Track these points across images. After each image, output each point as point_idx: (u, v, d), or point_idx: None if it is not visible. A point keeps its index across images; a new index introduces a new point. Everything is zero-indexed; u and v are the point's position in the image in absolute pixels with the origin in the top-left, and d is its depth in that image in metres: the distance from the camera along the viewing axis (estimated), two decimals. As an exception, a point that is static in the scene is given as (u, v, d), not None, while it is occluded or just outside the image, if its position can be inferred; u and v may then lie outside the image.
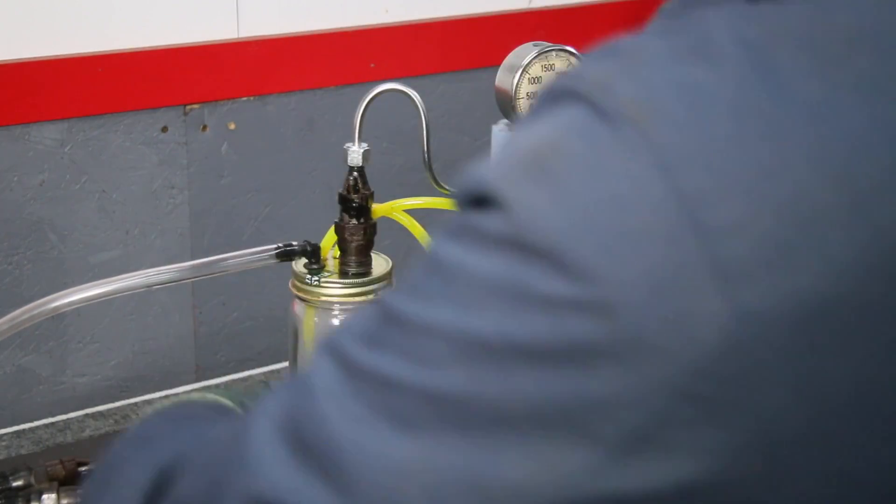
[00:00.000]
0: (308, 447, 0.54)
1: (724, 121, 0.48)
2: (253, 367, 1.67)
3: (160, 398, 1.58)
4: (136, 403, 1.57)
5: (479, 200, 0.52)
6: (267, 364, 1.67)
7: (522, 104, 1.12)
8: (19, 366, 1.56)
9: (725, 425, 0.48)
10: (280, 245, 1.11)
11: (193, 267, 1.04)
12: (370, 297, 1.08)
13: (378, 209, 1.11)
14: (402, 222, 1.10)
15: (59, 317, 1.53)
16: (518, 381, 0.49)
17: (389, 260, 1.11)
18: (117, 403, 1.58)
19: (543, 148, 0.50)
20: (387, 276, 1.10)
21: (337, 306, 1.09)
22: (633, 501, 0.50)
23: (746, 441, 0.49)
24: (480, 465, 0.50)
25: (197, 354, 1.67)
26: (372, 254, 1.10)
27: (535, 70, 1.11)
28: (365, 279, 1.09)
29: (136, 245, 1.61)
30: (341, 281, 1.08)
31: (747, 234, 0.47)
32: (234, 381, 1.62)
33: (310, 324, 1.12)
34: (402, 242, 1.17)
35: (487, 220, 0.51)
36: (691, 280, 0.47)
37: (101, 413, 1.54)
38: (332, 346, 0.55)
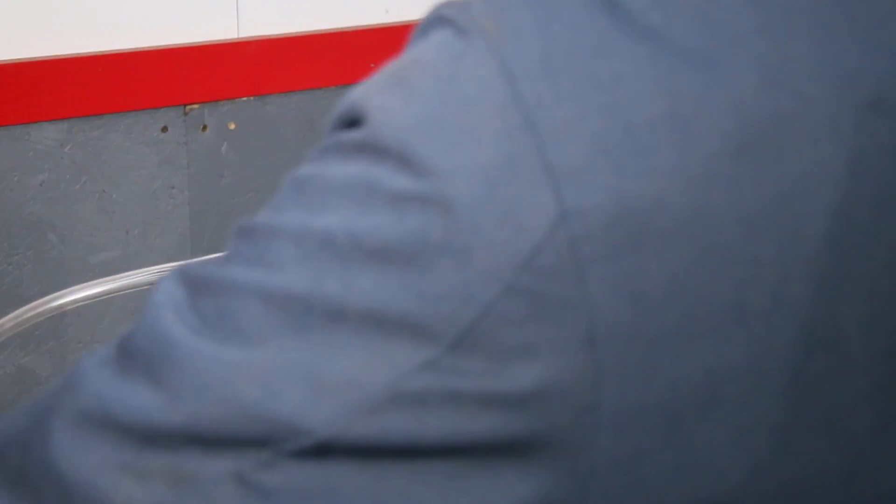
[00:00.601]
0: (133, 354, 0.54)
1: (565, 35, 0.52)
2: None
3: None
4: (136, 403, 1.57)
5: (345, 123, 0.54)
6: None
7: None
8: (19, 366, 1.56)
9: (553, 322, 0.50)
10: None
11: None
12: None
13: None
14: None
15: (59, 317, 1.53)
16: (358, 278, 0.51)
17: None
18: (117, 403, 1.58)
19: (406, 65, 0.53)
20: None
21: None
22: (469, 401, 0.51)
23: (574, 339, 0.50)
24: (316, 361, 0.51)
25: (197, 355, 1.67)
26: None
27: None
28: None
29: (136, 245, 1.61)
30: None
31: (576, 136, 0.50)
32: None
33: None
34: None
35: (346, 134, 0.53)
36: (524, 175, 0.50)
37: (101, 413, 1.54)
38: (177, 269, 0.57)
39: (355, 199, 0.51)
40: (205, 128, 1.63)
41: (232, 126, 1.65)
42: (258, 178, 1.67)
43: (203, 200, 1.64)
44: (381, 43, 1.70)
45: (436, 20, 0.55)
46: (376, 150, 0.51)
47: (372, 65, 1.70)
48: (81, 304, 0.97)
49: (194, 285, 0.54)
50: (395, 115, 0.51)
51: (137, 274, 1.02)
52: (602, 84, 0.51)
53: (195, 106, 1.62)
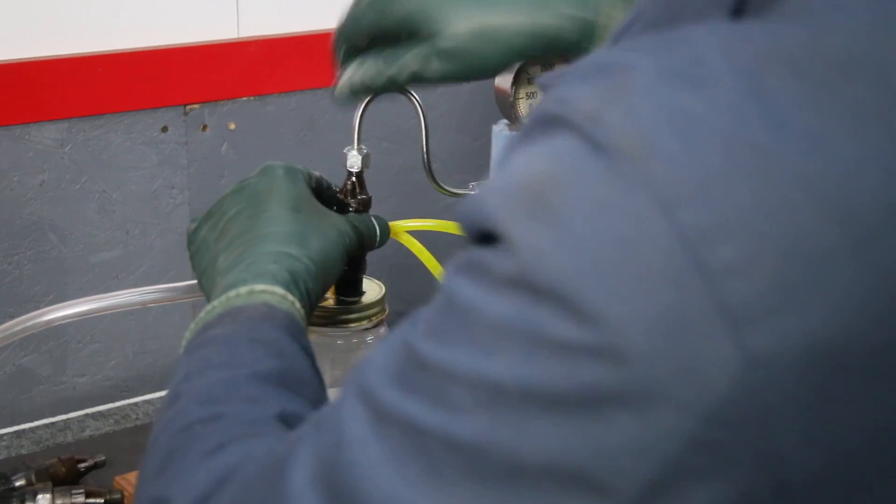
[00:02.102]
0: (340, 494, 0.54)
1: (720, 155, 0.47)
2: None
3: (160, 398, 1.58)
4: (136, 403, 1.57)
5: (484, 234, 0.51)
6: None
7: (521, 104, 1.12)
8: (19, 366, 1.56)
9: (739, 472, 0.47)
10: None
11: (189, 287, 1.03)
12: (363, 322, 1.07)
13: None
14: (403, 242, 1.09)
15: (59, 317, 1.52)
16: (533, 430, 0.48)
17: (382, 286, 1.10)
18: (117, 403, 1.58)
19: (541, 180, 0.49)
20: (379, 303, 1.08)
21: (329, 331, 1.07)
22: None
23: (760, 488, 0.48)
24: None
25: (197, 354, 1.67)
26: (364, 279, 1.09)
27: (534, 70, 1.11)
28: (357, 307, 1.07)
29: (136, 245, 1.61)
30: (334, 307, 1.07)
31: (751, 276, 0.46)
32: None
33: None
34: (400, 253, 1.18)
35: (495, 259, 0.50)
36: (700, 324, 0.46)
37: (101, 413, 1.54)
38: (360, 388, 0.55)
39: (520, 344, 0.49)
40: (205, 128, 1.63)
41: (232, 126, 1.65)
42: (258, 178, 1.67)
43: (203, 200, 1.64)
44: (382, 43, 1.70)
45: (556, 120, 0.50)
46: (532, 291, 0.48)
47: (372, 65, 1.70)
48: (71, 320, 0.97)
49: (378, 413, 0.53)
50: (546, 254, 0.48)
51: (129, 293, 1.02)
52: (770, 212, 0.46)
53: (195, 106, 1.62)
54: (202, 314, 0.81)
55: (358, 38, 0.90)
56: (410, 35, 0.83)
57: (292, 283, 0.82)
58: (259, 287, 0.80)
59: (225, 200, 0.92)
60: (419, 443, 0.51)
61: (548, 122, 0.50)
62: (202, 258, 0.89)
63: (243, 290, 0.80)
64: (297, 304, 0.81)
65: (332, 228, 0.91)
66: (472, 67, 0.82)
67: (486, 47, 0.81)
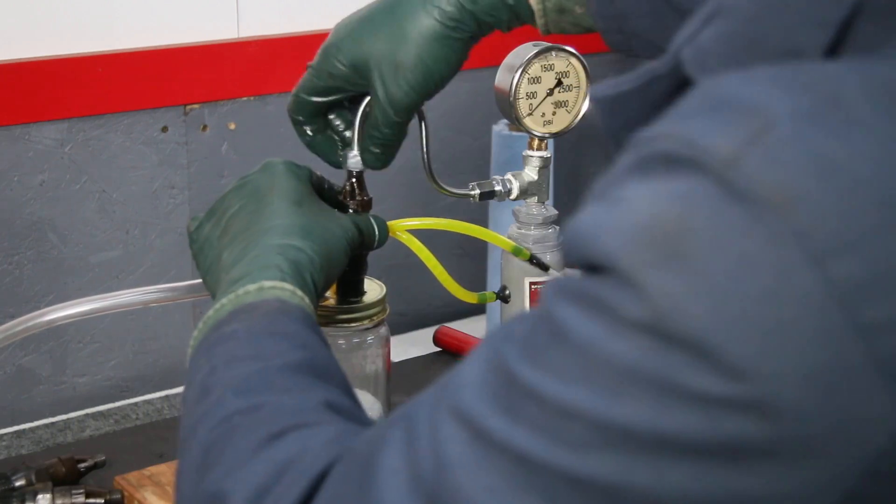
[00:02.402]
0: None
1: (870, 205, 0.45)
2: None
3: (160, 398, 1.58)
4: (136, 403, 1.57)
5: (598, 267, 0.50)
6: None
7: (521, 104, 1.12)
8: (19, 366, 1.56)
9: None
10: None
11: (189, 287, 1.02)
12: (364, 322, 1.07)
13: None
14: (402, 241, 1.09)
15: (59, 317, 1.52)
16: (671, 474, 0.48)
17: (383, 286, 1.10)
18: (117, 403, 1.58)
19: (674, 227, 0.48)
20: (380, 303, 1.08)
21: (331, 331, 1.07)
22: None
23: None
24: None
25: (197, 354, 1.66)
26: (365, 279, 1.09)
27: (535, 70, 1.11)
28: (358, 307, 1.06)
29: (136, 245, 1.61)
30: (336, 307, 1.07)
31: None
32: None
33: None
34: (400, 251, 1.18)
35: (618, 299, 0.49)
36: (856, 380, 0.46)
37: (101, 413, 1.54)
38: (457, 409, 0.54)
39: (651, 391, 0.48)
40: (205, 128, 1.63)
41: (232, 126, 1.65)
42: (258, 178, 1.66)
43: (203, 200, 1.64)
44: (382, 43, 1.70)
45: (683, 161, 0.48)
46: (666, 338, 0.47)
47: (372, 65, 1.69)
48: (71, 320, 0.97)
49: (483, 439, 0.52)
50: (683, 303, 0.47)
51: (129, 293, 1.02)
52: None
53: (195, 106, 1.62)
54: (210, 312, 0.80)
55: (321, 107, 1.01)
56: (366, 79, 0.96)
57: (298, 275, 0.82)
58: (268, 284, 0.80)
59: (227, 197, 0.92)
60: (535, 476, 0.50)
61: (671, 161, 0.49)
62: (206, 256, 0.89)
63: (252, 287, 0.80)
64: (307, 300, 0.81)
65: (335, 222, 0.91)
66: (428, 69, 0.93)
67: (427, 46, 0.93)
